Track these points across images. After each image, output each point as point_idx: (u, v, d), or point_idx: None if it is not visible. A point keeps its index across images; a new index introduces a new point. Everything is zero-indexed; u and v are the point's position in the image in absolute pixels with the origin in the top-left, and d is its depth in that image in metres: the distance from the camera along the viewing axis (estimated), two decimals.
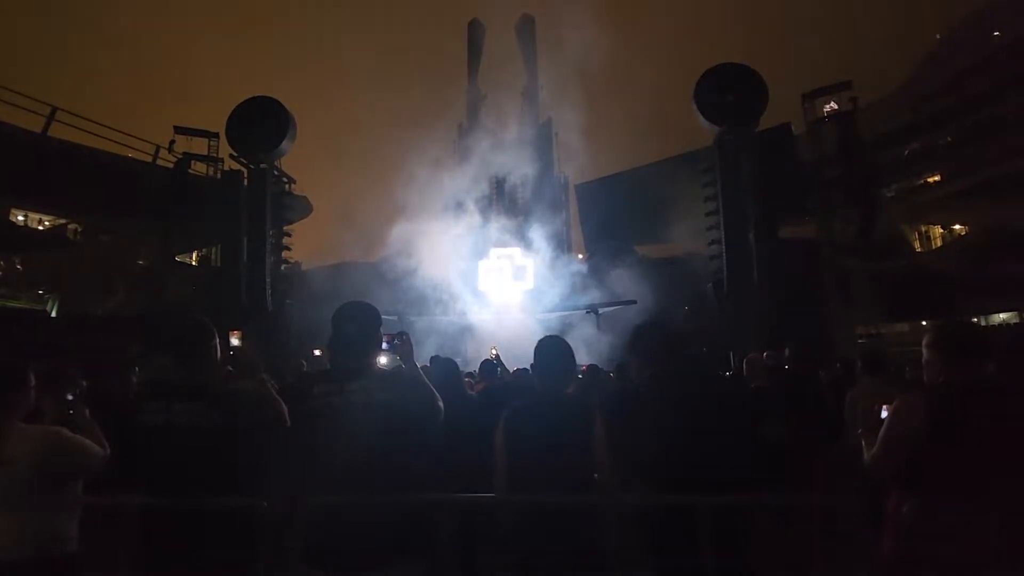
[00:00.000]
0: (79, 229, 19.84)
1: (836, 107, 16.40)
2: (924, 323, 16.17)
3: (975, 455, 1.64)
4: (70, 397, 2.33)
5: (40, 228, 20.12)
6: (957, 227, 20.48)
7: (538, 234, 17.42)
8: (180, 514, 1.93)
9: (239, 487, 2.00)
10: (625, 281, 15.73)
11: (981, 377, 1.76)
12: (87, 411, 2.34)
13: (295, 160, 17.68)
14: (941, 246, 20.66)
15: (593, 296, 16.39)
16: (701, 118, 14.60)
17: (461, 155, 22.27)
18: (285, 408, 2.18)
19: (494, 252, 17.97)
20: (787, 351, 5.18)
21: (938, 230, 21.26)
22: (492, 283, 17.62)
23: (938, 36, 24.78)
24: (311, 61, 64.87)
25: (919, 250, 21.06)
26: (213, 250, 18.26)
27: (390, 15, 70.91)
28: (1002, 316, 18.10)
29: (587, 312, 16.28)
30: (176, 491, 1.95)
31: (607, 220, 16.45)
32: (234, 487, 1.98)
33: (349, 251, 20.71)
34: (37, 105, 17.48)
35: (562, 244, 17.38)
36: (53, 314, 18.08)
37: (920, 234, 21.55)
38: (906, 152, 20.33)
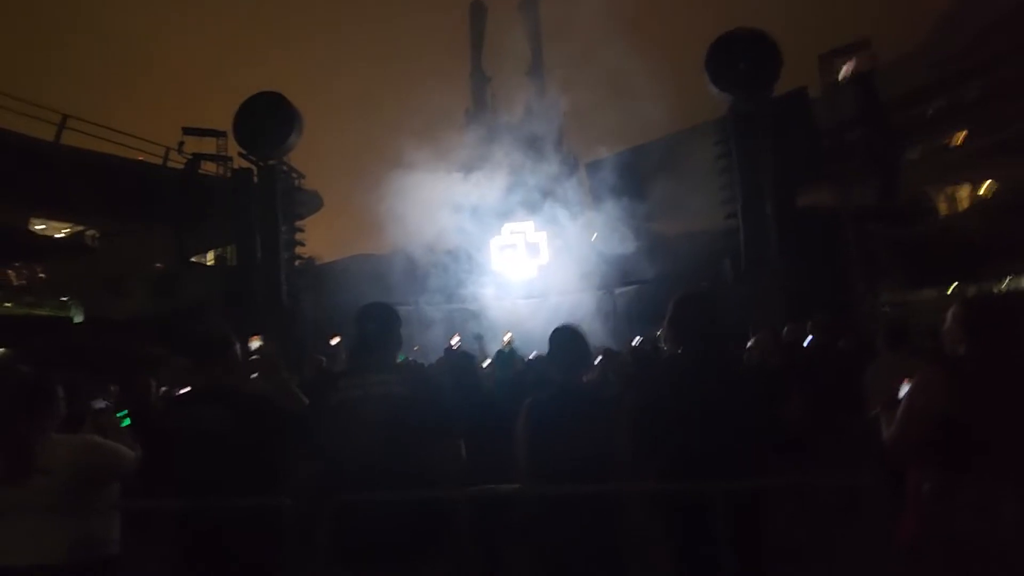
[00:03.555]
0: (96, 235, 20.19)
1: (854, 67, 15.80)
2: (951, 290, 15.77)
3: (998, 432, 1.61)
4: (102, 404, 2.40)
5: (59, 236, 20.53)
6: (984, 187, 19.80)
7: (549, 212, 17.33)
8: (207, 516, 1.97)
9: (263, 487, 2.04)
10: (640, 258, 15.56)
11: (1005, 351, 1.71)
12: (117, 416, 2.41)
13: (303, 154, 17.70)
14: (968, 208, 20.02)
15: (607, 275, 16.27)
16: (713, 87, 14.21)
17: (468, 140, 22.12)
18: (306, 406, 2.21)
19: (507, 228, 18.00)
20: (808, 325, 5.06)
21: (965, 192, 20.59)
22: (505, 261, 17.67)
23: None
24: (312, 58, 64.68)
25: (945, 213, 20.44)
26: (228, 249, 18.46)
27: (392, 6, 70.22)
28: None
29: (601, 292, 16.19)
30: (201, 494, 2.00)
31: (619, 197, 16.18)
32: (258, 488, 2.01)
33: (361, 243, 20.85)
34: (48, 113, 17.69)
35: (574, 222, 17.25)
36: (77, 320, 18.51)
37: (946, 196, 20.90)
38: (930, 111, 19.65)
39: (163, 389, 4.96)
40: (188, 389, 2.51)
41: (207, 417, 2.14)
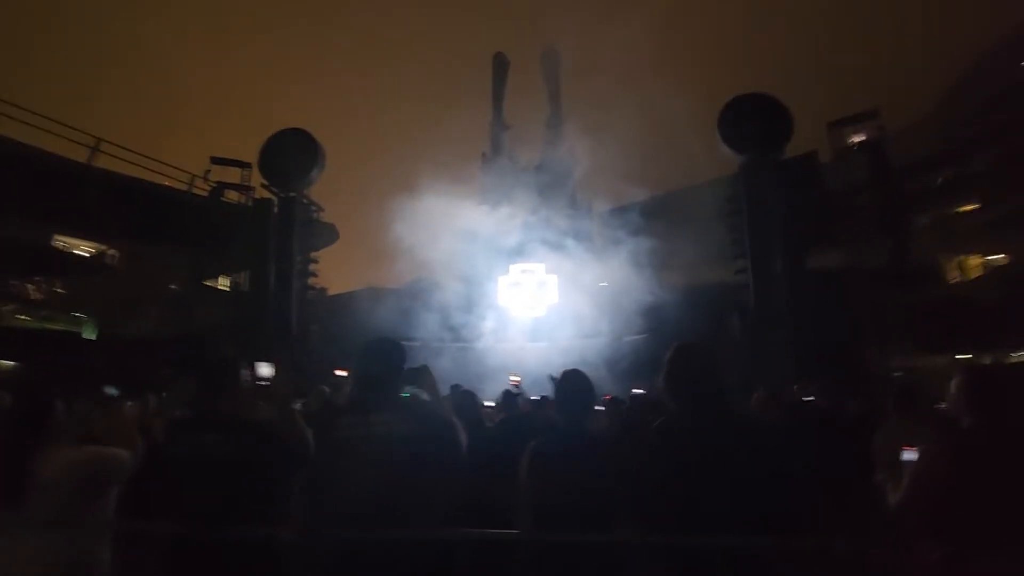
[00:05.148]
0: (116, 255, 20.61)
1: (863, 136, 16.22)
2: (964, 356, 15.52)
3: (1004, 503, 1.61)
4: (113, 391, 2.43)
5: (80, 253, 20.96)
6: (995, 256, 19.77)
7: (560, 256, 17.53)
8: (203, 545, 1.96)
9: (262, 518, 2.03)
10: (649, 309, 15.56)
11: (1011, 420, 1.73)
12: (124, 406, 2.44)
13: (324, 188, 18.17)
14: (979, 276, 19.94)
15: (615, 322, 16.24)
16: (725, 147, 14.56)
17: (484, 183, 22.66)
18: (310, 440, 2.21)
19: (517, 268, 18.16)
20: (815, 386, 5.02)
21: (976, 260, 20.55)
22: (514, 299, 17.76)
23: (967, 64, 24.46)
24: (338, 98, 67.33)
25: (956, 280, 20.37)
26: (242, 276, 18.75)
27: (418, 50, 73.52)
28: None
29: (609, 338, 16.12)
30: (198, 521, 1.99)
31: (631, 246, 16.39)
32: (257, 518, 2.00)
33: (373, 277, 21.09)
34: (84, 136, 18.40)
35: (584, 268, 17.42)
36: (88, 337, 18.68)
37: (957, 264, 20.87)
38: (939, 180, 19.89)
39: (169, 412, 4.99)
40: (191, 414, 2.50)
41: (208, 444, 2.10)
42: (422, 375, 2.26)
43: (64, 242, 20.58)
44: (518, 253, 18.35)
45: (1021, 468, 1.62)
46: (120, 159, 18.99)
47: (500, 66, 28.75)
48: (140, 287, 18.97)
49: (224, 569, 1.97)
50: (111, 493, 2.12)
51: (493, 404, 5.36)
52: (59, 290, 20.30)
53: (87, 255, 20.82)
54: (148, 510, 2.13)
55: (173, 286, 20.38)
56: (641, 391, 7.52)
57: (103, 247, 20.84)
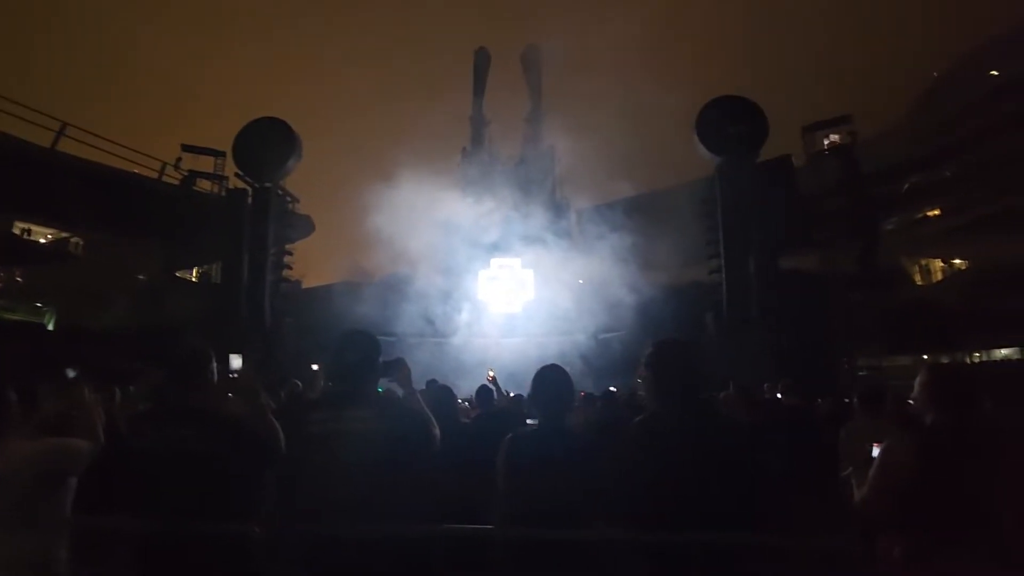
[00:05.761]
0: (80, 243, 19.87)
1: (836, 140, 16.66)
2: (925, 357, 16.10)
3: (967, 497, 1.64)
4: (73, 374, 2.34)
5: (42, 241, 20.16)
6: (957, 261, 20.54)
7: (538, 252, 17.57)
8: (170, 539, 1.90)
9: (231, 513, 1.97)
10: (625, 307, 15.70)
11: (972, 418, 1.77)
12: (85, 390, 2.35)
13: (299, 179, 17.84)
14: (942, 280, 20.68)
15: (591, 319, 16.35)
16: (702, 148, 14.76)
17: (463, 178, 22.56)
18: (281, 434, 2.16)
19: (495, 262, 18.14)
20: (783, 385, 5.13)
21: (938, 264, 21.31)
22: (491, 293, 17.76)
23: (936, 74, 25.28)
24: (318, 83, 66.18)
25: (920, 283, 21.09)
26: (213, 267, 18.29)
27: (399, 41, 72.71)
28: (1004, 352, 18.02)
29: (585, 335, 16.24)
30: (167, 515, 1.93)
31: (608, 245, 16.51)
32: (226, 513, 1.95)
33: (349, 270, 20.83)
34: (47, 120, 17.64)
35: (561, 264, 17.50)
36: (50, 327, 18.01)
37: (920, 267, 21.60)
38: (906, 186, 20.54)
39: (136, 404, 4.84)
40: (158, 406, 2.42)
41: (177, 436, 2.05)
42: (397, 367, 2.22)
43: (25, 228, 19.78)
44: (497, 248, 18.34)
45: (982, 464, 1.67)
46: (88, 145, 18.31)
47: (482, 61, 28.62)
48: (106, 277, 18.32)
49: (192, 564, 1.91)
50: (70, 485, 2.05)
51: (467, 402, 5.33)
52: (19, 279, 19.51)
53: (49, 243, 20.03)
54: (114, 504, 2.06)
55: (141, 276, 19.76)
56: (614, 388, 7.57)
57: (66, 235, 20.08)
